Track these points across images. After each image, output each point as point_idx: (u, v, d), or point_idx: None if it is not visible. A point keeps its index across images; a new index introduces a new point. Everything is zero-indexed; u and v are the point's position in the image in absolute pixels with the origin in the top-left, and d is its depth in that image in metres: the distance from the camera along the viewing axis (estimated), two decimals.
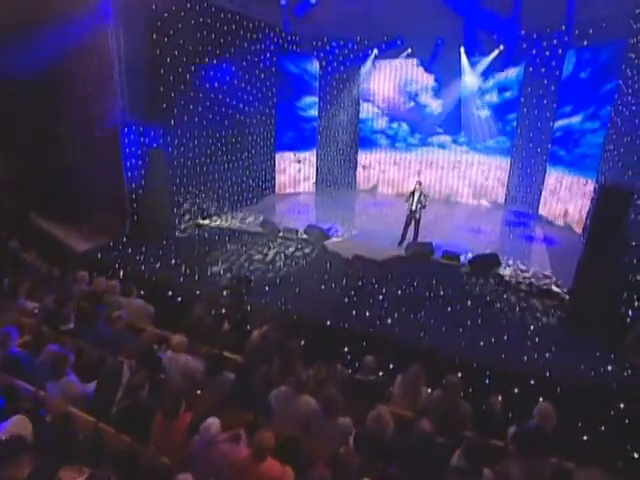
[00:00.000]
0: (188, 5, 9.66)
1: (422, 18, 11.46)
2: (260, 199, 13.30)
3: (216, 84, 10.96)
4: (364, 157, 15.34)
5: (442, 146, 14.21)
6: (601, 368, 4.79)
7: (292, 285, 6.98)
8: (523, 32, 12.00)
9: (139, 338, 4.67)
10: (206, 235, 9.60)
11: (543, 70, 12.38)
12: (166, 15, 9.11)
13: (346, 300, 6.53)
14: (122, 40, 8.55)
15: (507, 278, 7.56)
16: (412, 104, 14.30)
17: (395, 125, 14.72)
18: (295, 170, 14.67)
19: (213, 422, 3.10)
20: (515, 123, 13.10)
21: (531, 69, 12.55)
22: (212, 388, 3.91)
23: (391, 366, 4.80)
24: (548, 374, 4.62)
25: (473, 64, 12.93)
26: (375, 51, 14.11)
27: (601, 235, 5.82)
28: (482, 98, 13.22)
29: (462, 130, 13.75)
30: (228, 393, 3.81)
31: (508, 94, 12.99)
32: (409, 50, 13.60)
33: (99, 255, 8.07)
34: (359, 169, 15.48)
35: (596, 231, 5.88)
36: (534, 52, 12.24)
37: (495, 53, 12.52)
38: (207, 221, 10.81)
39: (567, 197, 11.35)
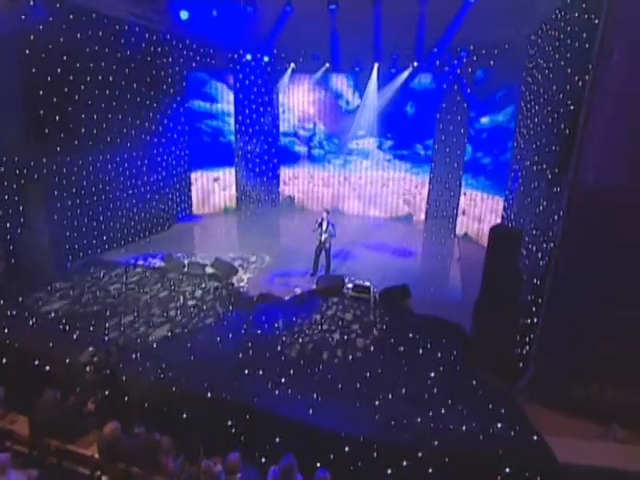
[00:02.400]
0: (71, 16, 8.61)
1: (337, 36, 11.15)
2: (173, 223, 12.43)
3: (114, 103, 9.98)
4: (286, 172, 14.89)
5: (365, 155, 14.01)
6: (490, 429, 4.64)
7: (184, 340, 6.36)
8: (435, 49, 12.10)
9: None
10: (102, 275, 8.66)
11: (456, 87, 12.58)
12: (41, 28, 8.05)
13: (240, 355, 6.02)
14: None
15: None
16: (330, 117, 14.04)
17: (317, 138, 14.38)
18: (212, 189, 13.91)
19: None
20: (432, 141, 13.26)
21: (445, 85, 12.70)
22: None
23: (263, 460, 4.37)
24: (436, 444, 4.38)
25: (389, 79, 12.87)
26: (292, 65, 13.68)
27: (495, 277, 5.74)
28: (400, 110, 13.20)
29: (385, 136, 13.67)
30: None
31: (423, 108, 13.06)
32: (327, 65, 13.30)
33: None
34: (281, 185, 15.00)
35: (490, 273, 5.79)
36: (447, 69, 12.37)
37: (409, 70, 12.54)
38: (107, 255, 9.84)
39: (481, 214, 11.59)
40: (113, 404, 4.97)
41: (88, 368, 4.81)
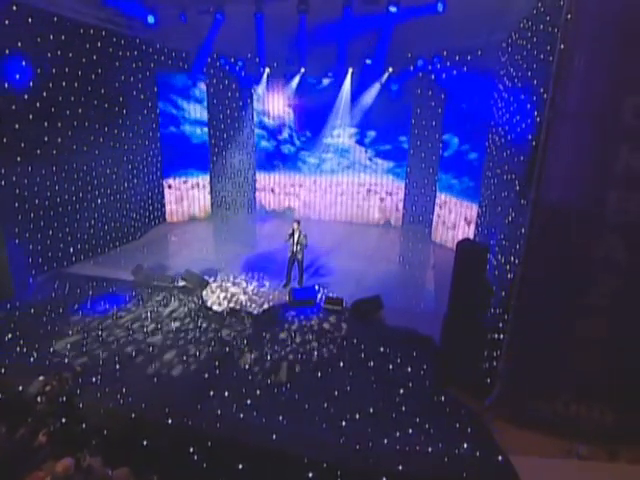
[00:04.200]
0: (30, 20, 8.26)
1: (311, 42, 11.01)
2: (146, 232, 12.13)
3: (80, 110, 9.65)
4: (262, 178, 14.70)
5: (343, 152, 13.78)
6: (456, 450, 4.58)
7: (148, 360, 6.15)
8: (409, 54, 12.08)
9: None
10: (67, 289, 8.36)
11: (430, 93, 12.58)
12: None
13: (206, 376, 5.85)
14: None
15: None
16: (303, 114, 13.87)
17: (286, 131, 14.13)
18: (186, 196, 13.64)
19: None
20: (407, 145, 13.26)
21: (419, 91, 12.70)
22: None
23: None
24: (401, 468, 4.30)
25: (365, 84, 12.80)
26: (267, 70, 13.49)
27: (462, 291, 5.69)
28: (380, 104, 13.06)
29: (365, 128, 13.46)
30: None
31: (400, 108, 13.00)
32: (302, 70, 13.14)
33: None
34: (258, 191, 14.81)
35: (457, 288, 5.74)
36: (420, 75, 12.35)
37: (385, 75, 12.49)
38: (74, 268, 9.52)
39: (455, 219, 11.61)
40: (68, 434, 4.75)
41: (39, 398, 4.58)
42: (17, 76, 8.13)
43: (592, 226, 4.60)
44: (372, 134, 13.52)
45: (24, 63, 8.23)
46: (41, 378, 4.75)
